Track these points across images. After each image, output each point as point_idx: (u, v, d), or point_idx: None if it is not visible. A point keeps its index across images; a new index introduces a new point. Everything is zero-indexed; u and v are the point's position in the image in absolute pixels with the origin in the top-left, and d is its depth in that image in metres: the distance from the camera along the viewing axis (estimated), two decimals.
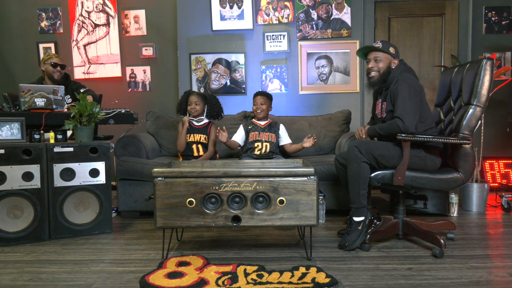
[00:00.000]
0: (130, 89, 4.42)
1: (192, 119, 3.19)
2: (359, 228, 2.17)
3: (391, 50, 2.34)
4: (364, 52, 2.43)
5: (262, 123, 3.25)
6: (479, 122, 2.23)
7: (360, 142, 2.19)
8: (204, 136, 3.17)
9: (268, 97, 3.25)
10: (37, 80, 3.42)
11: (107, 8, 4.36)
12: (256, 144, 3.15)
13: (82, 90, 3.24)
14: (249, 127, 3.24)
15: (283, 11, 4.04)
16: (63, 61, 3.38)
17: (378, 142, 2.25)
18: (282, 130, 3.29)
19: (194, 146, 3.15)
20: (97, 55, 4.40)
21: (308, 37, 4.04)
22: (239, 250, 2.24)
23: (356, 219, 2.19)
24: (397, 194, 2.35)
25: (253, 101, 3.26)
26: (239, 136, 3.24)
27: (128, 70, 4.40)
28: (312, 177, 1.96)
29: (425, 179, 2.17)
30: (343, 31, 4.02)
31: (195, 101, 3.13)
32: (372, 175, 2.18)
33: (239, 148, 3.26)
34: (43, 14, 4.41)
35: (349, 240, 2.16)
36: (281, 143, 3.27)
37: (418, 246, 2.26)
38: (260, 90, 3.98)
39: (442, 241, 2.07)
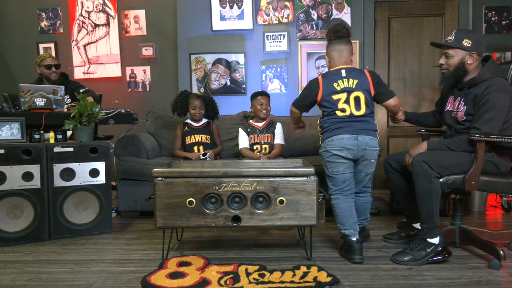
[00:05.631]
0: (130, 89, 4.41)
1: (191, 122, 3.18)
2: (428, 250, 1.98)
3: (465, 43, 2.05)
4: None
5: (260, 124, 3.15)
6: None
7: (427, 156, 1.99)
8: (206, 136, 3.14)
9: (269, 96, 3.17)
10: (35, 81, 3.41)
11: (107, 8, 4.35)
12: (255, 147, 3.10)
13: (81, 90, 3.21)
14: (248, 130, 3.15)
15: (283, 11, 4.04)
16: (56, 60, 3.34)
17: (444, 151, 2.07)
18: (278, 129, 3.16)
19: (195, 148, 3.12)
20: (97, 55, 4.39)
21: (308, 37, 4.04)
22: (239, 250, 2.24)
23: (430, 240, 2.00)
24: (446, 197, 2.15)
25: (254, 101, 3.13)
26: (245, 141, 3.12)
27: (128, 70, 4.40)
28: (312, 177, 1.96)
29: (498, 183, 2.04)
30: None
31: (199, 106, 3.08)
32: (442, 180, 2.01)
33: None
34: (43, 14, 4.41)
35: (411, 258, 1.99)
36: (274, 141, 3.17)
37: None
38: (260, 90, 3.97)
39: (501, 252, 1.91)
